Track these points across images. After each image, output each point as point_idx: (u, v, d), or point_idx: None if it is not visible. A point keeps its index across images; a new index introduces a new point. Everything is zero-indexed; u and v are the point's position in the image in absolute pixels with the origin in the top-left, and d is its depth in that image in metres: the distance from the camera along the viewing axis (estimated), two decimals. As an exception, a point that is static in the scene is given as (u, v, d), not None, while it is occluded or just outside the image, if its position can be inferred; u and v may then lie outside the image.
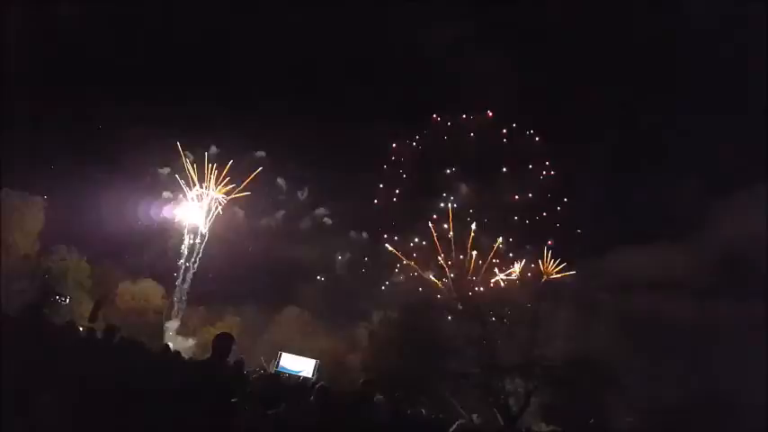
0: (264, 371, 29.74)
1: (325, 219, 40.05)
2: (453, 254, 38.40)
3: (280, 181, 39.88)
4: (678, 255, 29.81)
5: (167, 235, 35.92)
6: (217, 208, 36.22)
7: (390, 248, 38.20)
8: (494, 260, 37.08)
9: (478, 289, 36.30)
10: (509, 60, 37.02)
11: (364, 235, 40.51)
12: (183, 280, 35.96)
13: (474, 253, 36.71)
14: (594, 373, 29.20)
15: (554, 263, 37.34)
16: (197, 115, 35.91)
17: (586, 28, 37.10)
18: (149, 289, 34.50)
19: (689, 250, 29.59)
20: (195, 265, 36.09)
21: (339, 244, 39.59)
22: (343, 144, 37.29)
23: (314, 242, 38.07)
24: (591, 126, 36.66)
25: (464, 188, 38.86)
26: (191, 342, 34.05)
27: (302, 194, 40.06)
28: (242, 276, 36.37)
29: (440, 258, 37.26)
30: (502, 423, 25.01)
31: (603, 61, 37.32)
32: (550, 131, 37.96)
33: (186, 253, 36.17)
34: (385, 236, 38.87)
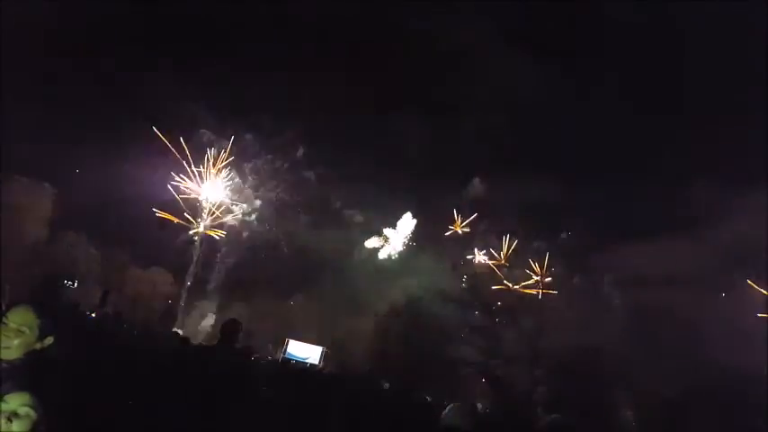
0: (272, 357, 30.02)
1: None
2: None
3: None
4: (687, 249, 29.45)
5: (175, 223, 35.34)
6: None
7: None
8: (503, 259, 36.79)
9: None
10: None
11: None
12: (194, 266, 35.82)
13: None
14: (599, 364, 29.23)
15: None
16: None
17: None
18: (158, 276, 34.61)
19: (698, 244, 29.16)
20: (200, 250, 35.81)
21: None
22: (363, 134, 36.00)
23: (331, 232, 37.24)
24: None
25: (477, 182, 38.35)
26: (202, 327, 34.31)
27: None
28: (254, 263, 36.54)
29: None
30: (506, 411, 25.10)
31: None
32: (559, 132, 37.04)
33: (197, 240, 35.79)
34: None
